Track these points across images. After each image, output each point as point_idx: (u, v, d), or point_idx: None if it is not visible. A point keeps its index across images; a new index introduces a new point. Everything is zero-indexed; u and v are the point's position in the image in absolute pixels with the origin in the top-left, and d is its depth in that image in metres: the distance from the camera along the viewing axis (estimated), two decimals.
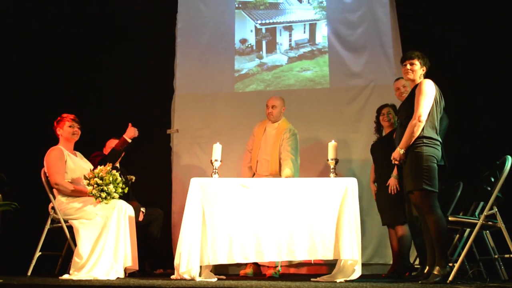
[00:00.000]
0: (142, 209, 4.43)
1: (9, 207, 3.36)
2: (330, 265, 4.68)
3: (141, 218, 4.39)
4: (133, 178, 4.63)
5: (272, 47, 5.90)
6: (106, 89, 5.70)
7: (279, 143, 4.66)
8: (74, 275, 3.52)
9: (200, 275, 3.45)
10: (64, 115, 4.13)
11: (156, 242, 4.58)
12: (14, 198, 3.58)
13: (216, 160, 3.76)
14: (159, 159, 5.62)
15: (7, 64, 5.43)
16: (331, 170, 3.75)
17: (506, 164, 3.44)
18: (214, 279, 3.46)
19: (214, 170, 3.72)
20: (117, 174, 3.79)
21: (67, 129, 4.08)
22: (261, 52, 5.90)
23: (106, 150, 4.63)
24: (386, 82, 5.44)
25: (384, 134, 4.61)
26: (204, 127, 5.65)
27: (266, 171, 4.67)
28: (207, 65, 5.86)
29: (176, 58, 5.88)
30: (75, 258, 3.61)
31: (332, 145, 3.80)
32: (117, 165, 4.63)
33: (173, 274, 3.49)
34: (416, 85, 3.51)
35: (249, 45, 5.93)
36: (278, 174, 4.61)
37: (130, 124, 4.36)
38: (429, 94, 3.40)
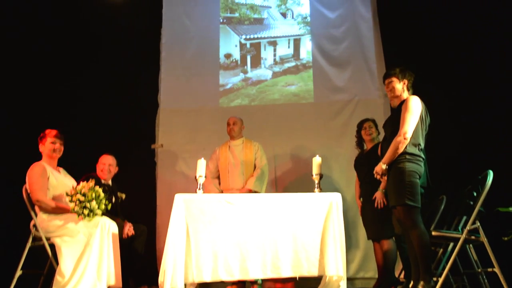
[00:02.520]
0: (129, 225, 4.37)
1: None
2: (316, 280, 4.67)
3: (131, 232, 4.32)
4: (123, 195, 4.58)
5: (256, 62, 5.93)
6: (91, 103, 5.66)
7: (253, 159, 4.79)
8: None
9: None
10: (47, 131, 4.07)
11: (140, 259, 4.51)
12: None
13: (200, 176, 3.75)
14: (144, 174, 5.58)
15: None
16: (316, 185, 3.76)
17: (488, 179, 3.48)
18: None
19: (198, 186, 3.71)
20: (100, 190, 3.75)
21: (49, 145, 4.02)
22: (245, 67, 5.93)
23: (99, 166, 4.56)
24: (370, 97, 5.53)
25: (366, 148, 4.63)
26: (188, 142, 5.63)
27: (239, 185, 4.73)
28: (192, 80, 5.87)
29: (160, 73, 5.88)
30: (57, 277, 3.55)
31: (316, 160, 3.81)
32: (110, 182, 4.58)
33: None
34: (403, 101, 3.53)
35: (234, 60, 5.95)
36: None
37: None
38: (415, 111, 3.42)
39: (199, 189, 3.70)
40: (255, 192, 4.60)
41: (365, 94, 5.57)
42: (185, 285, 3.43)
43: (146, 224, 4.69)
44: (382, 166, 3.47)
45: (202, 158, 3.84)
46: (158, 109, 5.79)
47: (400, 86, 3.58)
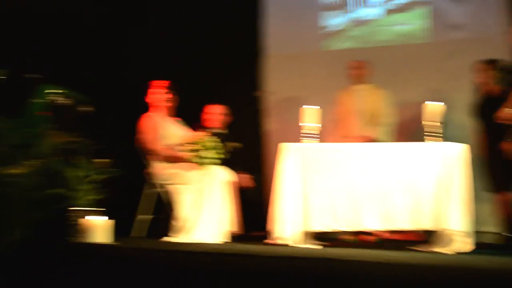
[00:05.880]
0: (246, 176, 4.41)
1: (115, 173, 3.53)
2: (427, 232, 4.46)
3: (249, 184, 4.38)
4: (239, 145, 4.57)
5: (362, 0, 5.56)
6: (191, 54, 5.65)
7: (379, 106, 4.58)
8: (173, 237, 3.64)
9: (302, 242, 3.36)
10: (156, 81, 4.13)
11: (249, 206, 4.57)
12: (115, 164, 3.69)
13: (312, 124, 3.61)
14: (248, 123, 5.56)
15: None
16: (436, 134, 3.50)
17: None
18: (318, 246, 3.37)
19: (311, 135, 3.58)
20: (215, 139, 3.79)
21: (159, 96, 4.09)
22: (350, 6, 5.58)
23: (208, 116, 4.63)
24: (491, 35, 4.96)
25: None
26: (296, 89, 5.48)
27: (360, 132, 4.55)
28: (292, 23, 5.67)
29: (265, 17, 5.71)
30: (174, 222, 3.71)
31: (439, 107, 3.54)
32: (223, 131, 4.63)
33: (270, 237, 3.44)
34: None
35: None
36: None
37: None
38: None
39: (311, 137, 3.57)
40: (376, 141, 4.40)
41: (488, 31, 5.01)
42: (302, 233, 3.38)
43: (253, 173, 4.72)
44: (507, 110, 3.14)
45: (309, 105, 3.69)
46: (265, 54, 5.66)
47: None
